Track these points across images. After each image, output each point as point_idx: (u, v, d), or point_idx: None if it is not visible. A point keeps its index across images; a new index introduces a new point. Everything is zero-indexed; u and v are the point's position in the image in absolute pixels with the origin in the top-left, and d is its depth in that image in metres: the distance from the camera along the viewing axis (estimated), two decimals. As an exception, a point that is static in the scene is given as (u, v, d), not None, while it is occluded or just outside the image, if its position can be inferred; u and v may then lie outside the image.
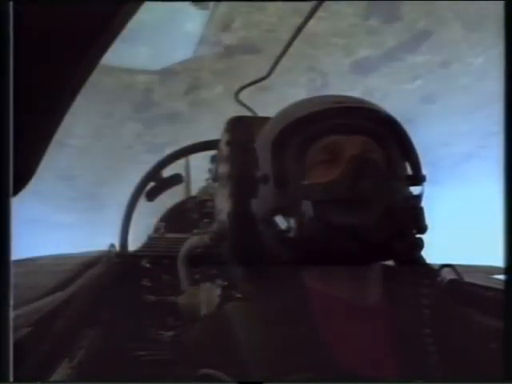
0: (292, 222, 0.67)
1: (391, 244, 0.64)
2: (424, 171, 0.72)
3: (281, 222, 0.68)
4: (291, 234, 0.67)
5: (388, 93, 5.70)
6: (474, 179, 6.31)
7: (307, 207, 0.65)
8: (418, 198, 0.70)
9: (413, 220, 0.67)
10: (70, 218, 7.28)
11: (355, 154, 0.67)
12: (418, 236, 0.67)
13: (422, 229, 0.68)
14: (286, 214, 0.68)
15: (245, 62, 5.29)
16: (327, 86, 5.75)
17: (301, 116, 0.70)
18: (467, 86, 5.75)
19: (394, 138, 0.71)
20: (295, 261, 0.70)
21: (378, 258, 0.67)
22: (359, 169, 0.65)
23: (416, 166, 0.72)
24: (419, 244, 0.67)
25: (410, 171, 0.73)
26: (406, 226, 0.66)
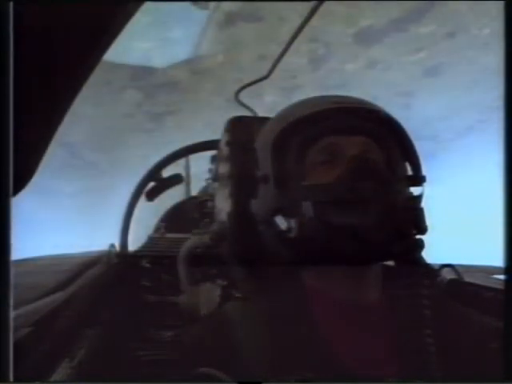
0: (292, 222, 0.67)
1: (391, 245, 0.64)
2: (422, 171, 0.72)
3: (281, 222, 0.68)
4: (291, 235, 0.67)
5: (390, 64, 5.56)
6: (474, 153, 6.25)
7: (307, 208, 0.65)
8: (418, 198, 0.70)
9: (413, 221, 0.67)
10: (70, 186, 7.18)
11: (355, 155, 0.67)
12: (418, 237, 0.67)
13: (422, 229, 0.68)
14: (286, 215, 0.68)
15: (246, 30, 5.16)
16: (329, 56, 5.62)
17: (301, 116, 0.70)
18: (471, 58, 5.61)
19: (394, 139, 0.71)
20: (295, 261, 0.70)
21: (378, 258, 0.68)
22: (359, 169, 0.65)
23: (416, 166, 0.72)
24: (419, 245, 0.67)
25: (409, 172, 0.73)
26: (405, 227, 0.66)
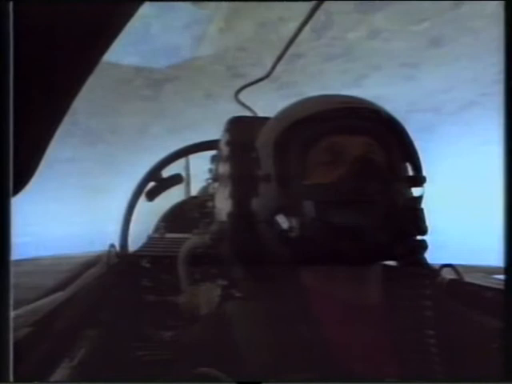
0: (294, 221, 0.67)
1: (393, 245, 0.64)
2: (423, 172, 0.72)
3: (282, 221, 0.68)
4: (293, 234, 0.67)
5: (393, 34, 5.46)
6: (475, 127, 6.18)
7: (309, 207, 0.65)
8: (419, 199, 0.70)
9: (414, 222, 0.67)
10: (67, 153, 7.10)
11: (359, 155, 0.67)
12: (420, 238, 0.67)
13: (423, 230, 0.67)
14: (288, 214, 0.68)
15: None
16: (331, 24, 5.54)
17: (304, 116, 0.70)
18: (477, 30, 5.42)
19: (396, 139, 0.71)
20: (296, 260, 0.70)
21: (380, 258, 0.68)
22: (363, 170, 0.65)
23: (417, 167, 0.72)
24: (422, 246, 0.67)
25: (410, 172, 0.73)
26: (407, 228, 0.66)
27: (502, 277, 0.59)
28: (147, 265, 1.71)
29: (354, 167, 0.65)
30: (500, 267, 0.58)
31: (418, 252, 0.68)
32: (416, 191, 0.72)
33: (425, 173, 0.73)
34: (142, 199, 2.07)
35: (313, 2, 1.25)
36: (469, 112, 6.70)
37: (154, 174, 1.97)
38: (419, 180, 0.71)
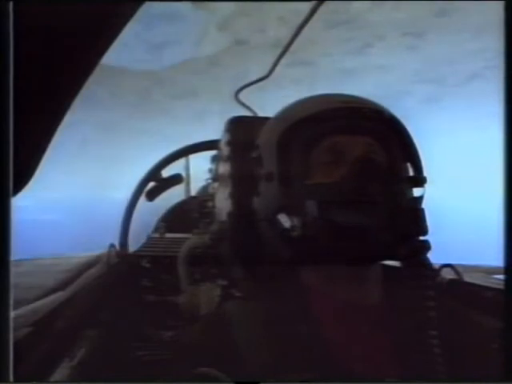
0: (296, 220, 0.67)
1: (394, 245, 0.64)
2: (423, 172, 0.72)
3: (284, 220, 0.68)
4: (294, 233, 0.67)
5: (399, 4, 5.39)
6: (476, 100, 6.11)
7: (311, 207, 0.65)
8: (420, 199, 0.70)
9: (415, 222, 0.67)
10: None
11: (360, 155, 0.67)
12: (423, 238, 0.67)
13: (424, 231, 0.67)
14: (290, 213, 0.68)
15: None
16: None
17: (306, 115, 0.70)
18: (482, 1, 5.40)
19: (397, 139, 0.71)
20: (298, 260, 0.70)
21: (381, 258, 0.68)
22: (364, 170, 0.65)
23: (418, 167, 0.72)
24: (424, 246, 0.67)
25: (411, 173, 0.73)
26: (408, 228, 0.66)
27: (501, 277, 0.59)
28: (147, 265, 1.71)
29: (355, 167, 0.65)
30: (500, 267, 0.58)
31: (421, 252, 0.68)
32: (417, 191, 0.72)
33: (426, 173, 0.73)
34: (142, 199, 2.07)
35: (313, 2, 1.25)
36: (472, 84, 6.58)
37: (154, 173, 1.97)
38: (420, 180, 0.72)
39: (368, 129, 0.70)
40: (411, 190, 0.71)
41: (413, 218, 0.67)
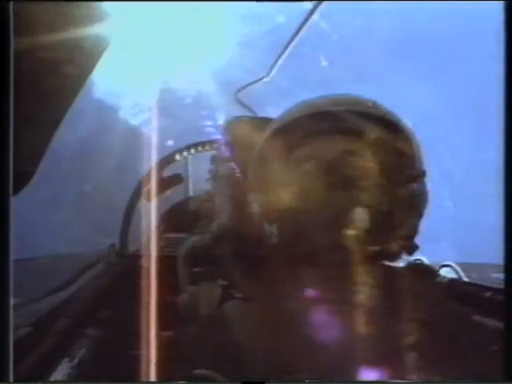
0: (273, 228, 0.69)
1: (373, 249, 0.65)
2: (423, 166, 0.72)
3: (266, 226, 0.70)
4: (273, 240, 0.68)
5: None
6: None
7: (286, 216, 0.66)
8: (413, 195, 0.69)
9: (400, 224, 0.67)
10: None
11: (328, 163, 0.67)
12: (403, 241, 0.67)
13: (410, 234, 0.67)
14: (269, 222, 0.70)
15: None
16: None
17: (283, 124, 0.71)
18: None
19: (386, 138, 0.70)
20: (279, 264, 0.71)
21: (360, 262, 0.67)
22: (330, 180, 0.66)
23: (413, 163, 0.71)
24: (410, 246, 0.68)
25: (408, 168, 0.71)
26: (391, 232, 0.66)
27: (501, 275, 0.59)
28: (147, 265, 1.71)
29: (324, 177, 0.66)
30: (500, 265, 0.58)
31: (408, 253, 0.68)
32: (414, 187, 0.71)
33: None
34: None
35: (313, 2, 1.25)
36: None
37: (153, 173, 1.97)
38: (415, 176, 0.71)
39: (349, 130, 0.69)
40: (405, 187, 0.70)
41: (399, 221, 0.67)
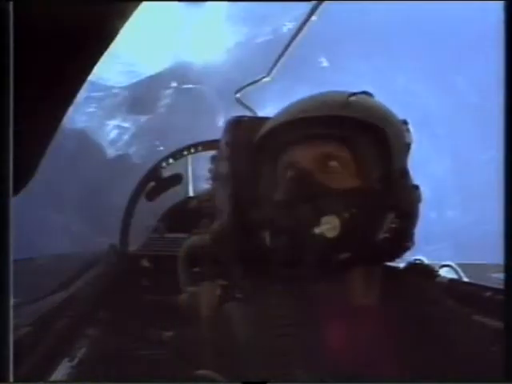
0: (266, 233, 0.69)
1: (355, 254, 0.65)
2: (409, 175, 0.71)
3: (260, 232, 0.71)
4: (266, 244, 0.69)
5: None
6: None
7: (273, 222, 0.68)
8: (395, 195, 0.68)
9: (378, 227, 0.67)
10: None
11: (298, 173, 0.67)
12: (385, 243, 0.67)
13: (391, 237, 0.67)
14: (261, 227, 0.71)
15: None
16: None
17: (267, 130, 0.72)
18: None
19: (361, 138, 0.68)
20: (277, 267, 0.71)
21: (341, 268, 0.68)
22: (300, 188, 0.66)
23: (392, 162, 0.68)
24: (390, 250, 0.69)
25: (387, 167, 0.69)
26: (367, 236, 0.66)
27: (501, 275, 0.59)
28: (147, 265, 1.71)
29: (297, 182, 0.67)
30: (500, 265, 0.58)
31: (395, 255, 0.69)
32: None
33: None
34: (142, 199, 2.07)
35: (313, 2, 1.25)
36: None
37: (153, 173, 1.97)
38: (399, 175, 0.69)
39: (328, 136, 0.68)
40: (385, 187, 0.68)
41: (379, 221, 0.67)
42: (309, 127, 0.68)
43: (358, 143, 0.68)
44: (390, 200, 0.68)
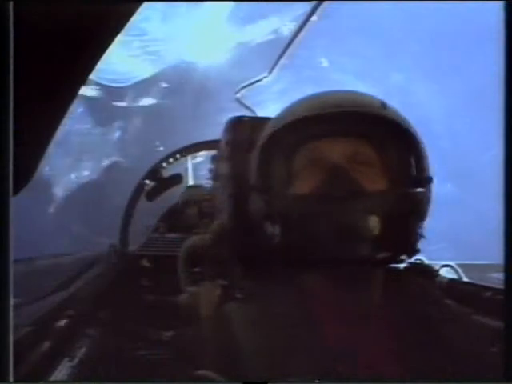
0: (276, 228, 0.68)
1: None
2: (428, 173, 0.70)
3: (268, 227, 0.69)
4: (275, 240, 0.68)
5: None
6: None
7: (289, 216, 0.66)
8: (416, 203, 0.68)
9: (403, 228, 0.66)
10: None
11: (332, 166, 0.66)
12: (407, 244, 0.67)
13: (412, 241, 0.67)
14: (271, 221, 0.69)
15: None
16: None
17: (287, 122, 0.69)
18: None
19: (393, 140, 0.69)
20: (281, 264, 0.71)
21: (363, 266, 0.67)
22: (332, 184, 0.65)
23: (421, 167, 0.70)
24: (411, 253, 0.68)
25: (414, 172, 0.70)
26: (391, 236, 0.66)
27: (501, 275, 0.59)
28: (147, 265, 1.71)
29: (325, 178, 0.65)
30: (500, 264, 0.58)
31: (410, 256, 0.69)
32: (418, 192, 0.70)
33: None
34: (142, 199, 2.07)
35: (313, 2, 1.25)
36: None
37: (153, 173, 1.97)
38: (421, 180, 0.70)
39: (352, 132, 0.68)
40: (410, 192, 0.69)
41: (401, 224, 0.66)
42: (337, 123, 0.67)
43: (389, 145, 0.69)
44: (416, 205, 0.68)
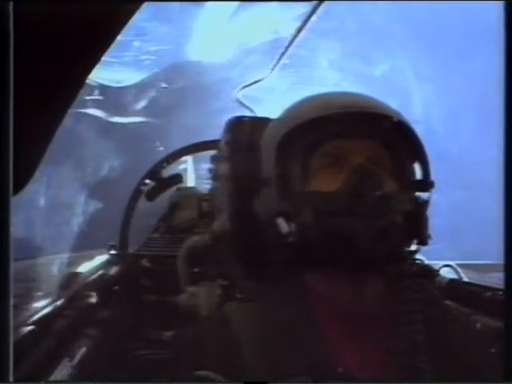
0: (293, 226, 0.67)
1: (389, 255, 0.64)
2: (431, 177, 0.72)
3: (282, 224, 0.68)
4: (291, 239, 0.67)
5: None
6: None
7: (308, 214, 0.65)
8: (423, 205, 0.69)
9: (415, 231, 0.67)
10: None
11: (359, 165, 0.66)
12: (416, 245, 0.67)
13: (423, 240, 0.67)
14: (288, 219, 0.68)
15: None
16: None
17: (306, 120, 0.69)
18: None
19: (404, 143, 0.70)
20: (293, 264, 0.70)
21: (376, 267, 0.67)
22: (361, 182, 0.65)
23: (426, 171, 0.71)
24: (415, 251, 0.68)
25: (418, 176, 0.72)
26: (405, 238, 0.66)
27: (501, 275, 0.59)
28: (147, 265, 1.71)
29: (354, 178, 0.65)
30: (500, 264, 0.58)
31: (411, 257, 0.69)
32: (423, 196, 0.71)
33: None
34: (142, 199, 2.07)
35: (313, 2, 1.25)
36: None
37: (153, 173, 1.97)
38: (427, 185, 0.71)
39: (371, 133, 0.68)
40: (416, 196, 0.70)
41: (414, 229, 0.67)
42: (356, 124, 0.68)
43: (399, 148, 0.70)
44: (421, 208, 0.69)
